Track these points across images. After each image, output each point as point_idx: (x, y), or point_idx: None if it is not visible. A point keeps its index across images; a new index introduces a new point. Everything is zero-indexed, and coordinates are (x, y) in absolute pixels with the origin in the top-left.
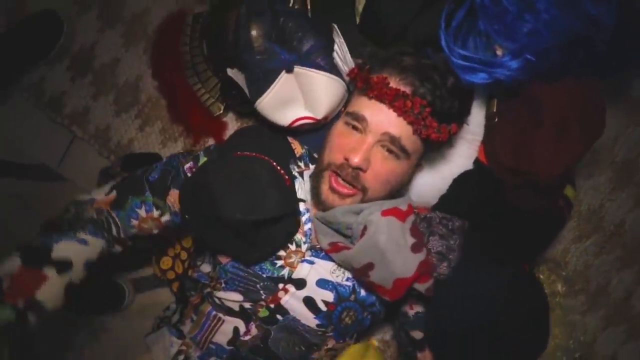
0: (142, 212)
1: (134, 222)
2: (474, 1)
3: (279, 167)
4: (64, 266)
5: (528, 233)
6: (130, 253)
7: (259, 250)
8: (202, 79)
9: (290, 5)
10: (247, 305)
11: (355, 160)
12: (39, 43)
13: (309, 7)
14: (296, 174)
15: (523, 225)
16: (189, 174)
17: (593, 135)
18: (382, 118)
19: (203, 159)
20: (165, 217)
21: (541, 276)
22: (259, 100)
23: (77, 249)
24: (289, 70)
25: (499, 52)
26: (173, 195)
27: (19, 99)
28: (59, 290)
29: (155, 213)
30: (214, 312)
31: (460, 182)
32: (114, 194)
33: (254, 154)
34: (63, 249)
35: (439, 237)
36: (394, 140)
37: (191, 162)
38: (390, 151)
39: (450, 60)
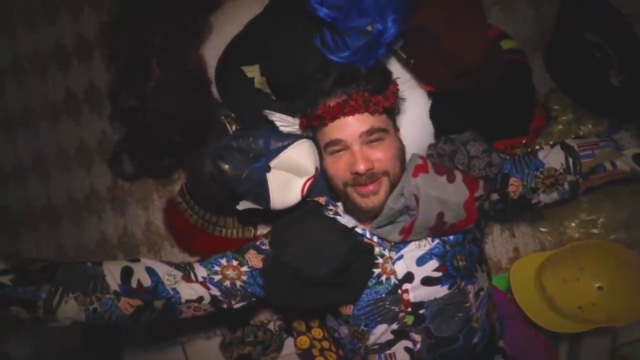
0: (223, 261)
1: (217, 268)
2: (321, 19)
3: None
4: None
5: (515, 99)
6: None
7: (354, 284)
8: (221, 225)
9: (230, 131)
10: (395, 326)
11: (361, 167)
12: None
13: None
14: (333, 216)
15: (507, 98)
16: (262, 247)
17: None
18: (348, 127)
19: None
20: (245, 268)
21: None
22: (271, 204)
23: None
24: (269, 170)
25: (370, 28)
26: (252, 254)
27: None
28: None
29: (235, 262)
30: (382, 355)
31: (437, 115)
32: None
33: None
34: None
35: (449, 157)
36: (370, 131)
37: (260, 240)
38: (374, 140)
39: (351, 63)
